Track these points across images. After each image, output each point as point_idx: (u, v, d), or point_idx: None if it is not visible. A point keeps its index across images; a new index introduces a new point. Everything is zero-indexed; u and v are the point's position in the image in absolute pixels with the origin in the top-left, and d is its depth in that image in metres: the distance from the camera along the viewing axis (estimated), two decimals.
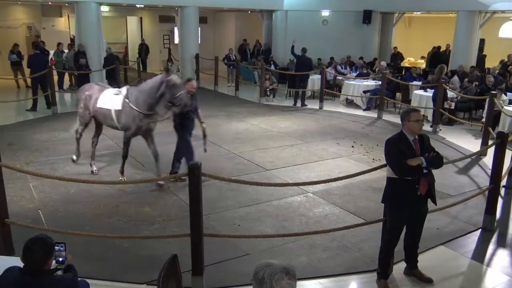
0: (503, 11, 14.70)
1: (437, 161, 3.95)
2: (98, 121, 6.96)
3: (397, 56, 17.45)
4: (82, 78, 12.31)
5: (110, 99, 6.48)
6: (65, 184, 6.26)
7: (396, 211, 4.05)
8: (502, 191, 6.45)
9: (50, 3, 17.19)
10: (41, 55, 12.42)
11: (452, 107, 10.90)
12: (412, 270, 4.32)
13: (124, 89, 6.51)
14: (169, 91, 6.05)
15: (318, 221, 5.48)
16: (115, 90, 6.61)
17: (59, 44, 14.52)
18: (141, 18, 20.98)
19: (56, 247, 2.90)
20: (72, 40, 16.52)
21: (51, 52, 14.59)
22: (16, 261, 2.81)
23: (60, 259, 2.93)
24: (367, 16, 17.03)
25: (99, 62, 14.25)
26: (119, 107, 6.36)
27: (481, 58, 15.83)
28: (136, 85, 6.75)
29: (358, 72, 14.83)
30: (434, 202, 4.11)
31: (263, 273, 1.84)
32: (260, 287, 1.83)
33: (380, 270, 4.20)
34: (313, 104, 13.06)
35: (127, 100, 6.31)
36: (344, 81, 13.92)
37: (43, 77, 11.28)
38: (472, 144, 9.00)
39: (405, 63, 18.34)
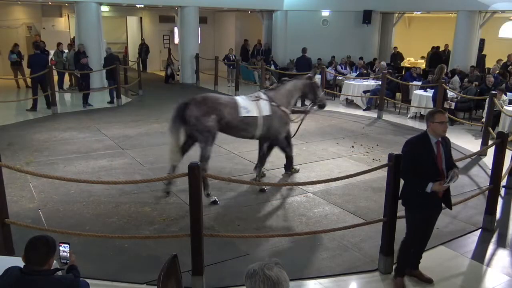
0: (503, 11, 14.70)
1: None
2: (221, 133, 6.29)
3: (397, 56, 17.45)
4: (83, 78, 12.29)
5: (253, 106, 6.08)
6: (65, 184, 6.25)
7: (408, 211, 4.05)
8: (502, 191, 6.45)
9: (50, 3, 17.19)
10: (41, 55, 12.40)
11: (452, 107, 10.90)
12: (412, 270, 4.32)
13: (261, 94, 6.30)
14: (313, 92, 6.65)
15: (318, 221, 5.48)
16: (248, 96, 6.30)
17: (59, 44, 14.51)
18: (141, 18, 20.97)
19: (61, 247, 2.91)
20: (73, 40, 16.53)
21: (51, 52, 14.59)
22: (16, 261, 2.81)
23: (65, 260, 2.93)
24: (367, 16, 17.03)
25: (99, 62, 14.26)
26: (267, 112, 6.09)
27: (481, 58, 15.83)
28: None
29: (358, 72, 14.84)
30: (449, 206, 4.05)
31: (253, 267, 1.89)
32: (252, 280, 1.86)
33: (398, 268, 4.19)
34: None
35: (274, 104, 6.17)
36: (344, 81, 13.93)
37: (43, 77, 11.28)
38: (472, 144, 9.01)
39: (405, 63, 18.35)
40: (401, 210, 4.33)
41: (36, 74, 11.25)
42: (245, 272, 1.91)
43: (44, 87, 11.51)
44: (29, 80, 13.07)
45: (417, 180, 3.84)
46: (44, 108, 11.49)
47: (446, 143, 3.96)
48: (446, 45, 16.62)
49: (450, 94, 10.92)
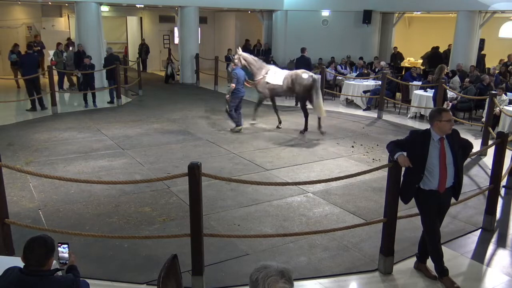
0: (503, 11, 14.70)
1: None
2: None
3: (397, 56, 17.44)
4: (86, 78, 12.24)
5: None
6: (65, 184, 6.26)
7: (415, 200, 4.14)
8: (502, 191, 6.46)
9: (50, 3, 17.19)
10: (32, 55, 11.90)
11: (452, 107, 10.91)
12: (420, 264, 4.37)
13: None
14: None
15: (318, 221, 5.48)
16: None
17: (58, 44, 14.49)
18: (141, 18, 20.96)
19: (60, 248, 2.90)
20: (69, 40, 16.51)
21: (51, 53, 14.56)
22: (16, 261, 2.81)
23: (64, 260, 2.93)
24: (367, 16, 17.03)
25: (99, 62, 14.25)
26: None
27: (480, 58, 15.81)
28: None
29: (358, 72, 14.84)
30: (455, 197, 4.14)
31: (257, 275, 1.81)
32: None
33: (437, 269, 4.19)
34: None
35: None
36: (344, 81, 13.93)
37: (35, 77, 11.11)
38: None
39: (405, 63, 18.34)
40: (401, 210, 4.34)
41: (27, 74, 11.02)
42: (251, 272, 1.84)
43: (36, 88, 11.28)
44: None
45: (393, 147, 4.05)
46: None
47: (453, 137, 3.99)
48: (450, 45, 16.53)
49: (450, 94, 10.93)
